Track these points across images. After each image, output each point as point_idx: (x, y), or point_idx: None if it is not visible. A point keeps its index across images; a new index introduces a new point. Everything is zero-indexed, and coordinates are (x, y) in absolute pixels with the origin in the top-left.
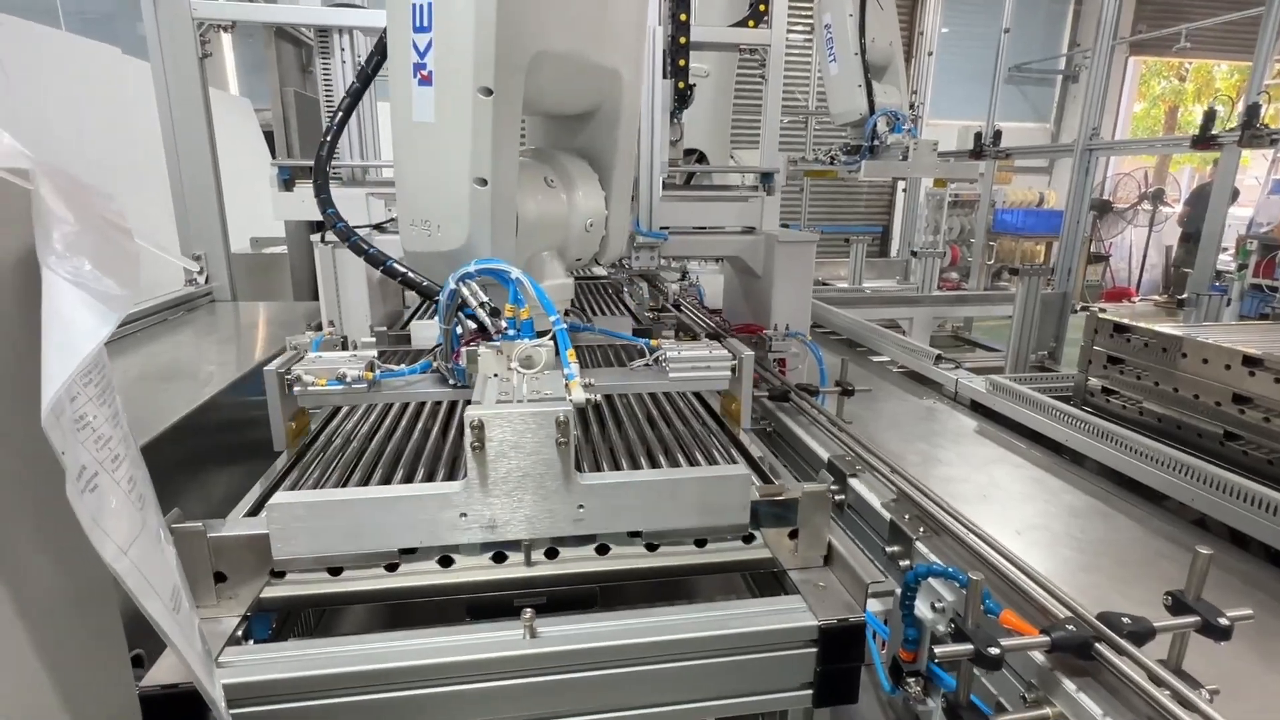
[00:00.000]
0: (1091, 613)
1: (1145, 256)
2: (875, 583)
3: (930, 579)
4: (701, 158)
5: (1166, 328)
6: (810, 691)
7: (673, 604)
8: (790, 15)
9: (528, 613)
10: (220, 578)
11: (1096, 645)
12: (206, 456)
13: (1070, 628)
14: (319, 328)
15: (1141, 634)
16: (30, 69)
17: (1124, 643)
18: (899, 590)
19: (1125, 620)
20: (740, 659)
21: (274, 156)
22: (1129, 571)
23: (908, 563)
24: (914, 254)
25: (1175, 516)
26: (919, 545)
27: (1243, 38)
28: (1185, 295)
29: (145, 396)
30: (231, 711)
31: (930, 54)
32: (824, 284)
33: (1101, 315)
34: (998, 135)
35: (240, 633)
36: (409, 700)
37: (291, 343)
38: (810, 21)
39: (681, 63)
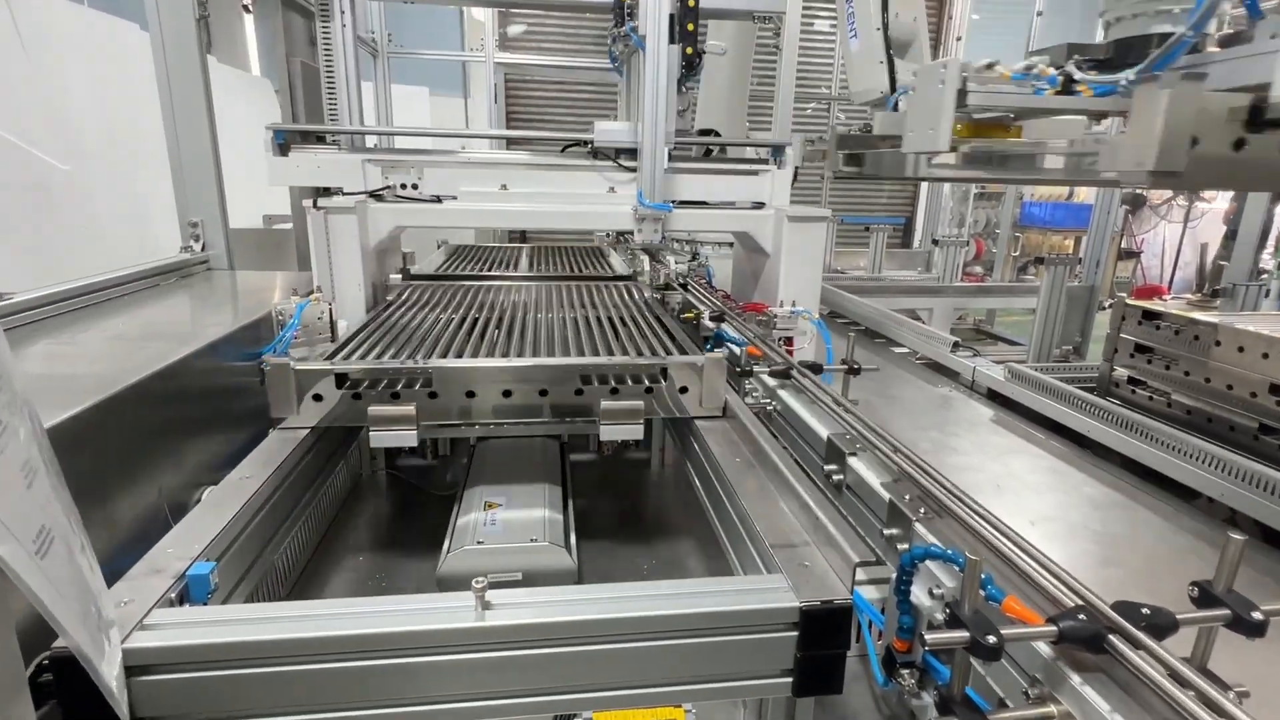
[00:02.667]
0: (1106, 603)
1: (1179, 254)
2: (864, 563)
3: (928, 562)
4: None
5: (1199, 314)
6: (790, 679)
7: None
8: (818, 2)
9: (480, 582)
10: None
11: (1110, 637)
12: (177, 415)
13: (1081, 617)
14: (308, 295)
15: (1162, 627)
16: (55, 47)
17: (1141, 635)
18: (895, 575)
19: (1144, 611)
20: (713, 640)
21: None
22: (1153, 568)
23: (906, 546)
24: (935, 242)
25: (1203, 513)
26: (918, 527)
27: None
28: (1221, 286)
29: (116, 354)
30: (155, 678)
31: (959, 39)
32: (840, 273)
33: (1129, 302)
34: None
35: (175, 595)
36: (347, 671)
37: (277, 307)
38: (834, 8)
39: (690, 27)
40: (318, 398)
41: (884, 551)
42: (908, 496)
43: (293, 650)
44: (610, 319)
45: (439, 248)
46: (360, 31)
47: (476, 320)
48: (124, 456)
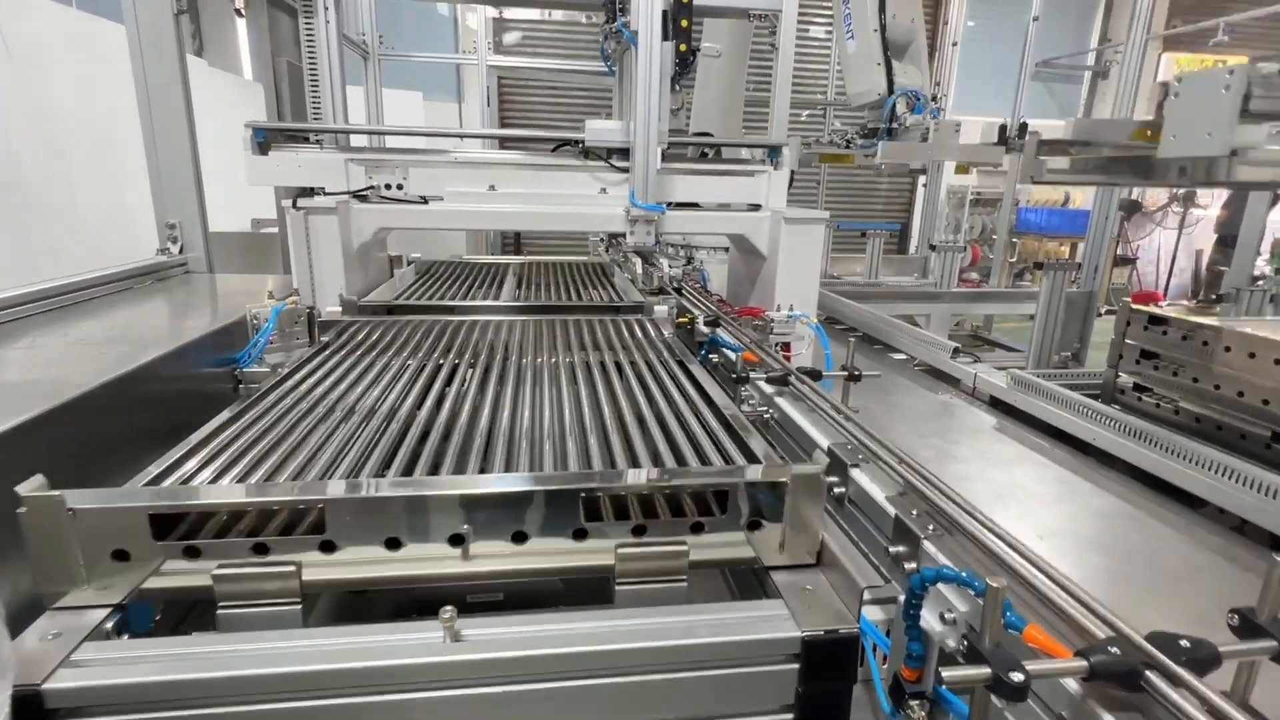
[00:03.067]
0: (1139, 632)
1: (1174, 260)
2: (872, 587)
3: (940, 585)
4: None
5: (1207, 319)
6: (790, 716)
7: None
8: (814, 7)
9: (448, 611)
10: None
11: (1147, 673)
12: (139, 424)
13: (1113, 650)
14: (286, 298)
15: (1204, 661)
16: (41, 47)
17: (1182, 671)
18: (903, 597)
19: (1183, 644)
20: (706, 675)
21: None
22: (1166, 583)
23: (914, 565)
24: (933, 248)
25: (1212, 523)
26: (927, 545)
27: None
28: (1224, 291)
29: (76, 359)
30: None
31: (955, 44)
32: (836, 279)
33: (1135, 306)
34: (1023, 128)
35: (110, 625)
36: (298, 712)
37: (252, 311)
38: (831, 14)
39: (684, 23)
40: (122, 555)
41: (889, 570)
42: (915, 512)
43: (234, 689)
44: (618, 363)
45: (408, 264)
46: (348, 31)
47: (430, 386)
48: (76, 470)
